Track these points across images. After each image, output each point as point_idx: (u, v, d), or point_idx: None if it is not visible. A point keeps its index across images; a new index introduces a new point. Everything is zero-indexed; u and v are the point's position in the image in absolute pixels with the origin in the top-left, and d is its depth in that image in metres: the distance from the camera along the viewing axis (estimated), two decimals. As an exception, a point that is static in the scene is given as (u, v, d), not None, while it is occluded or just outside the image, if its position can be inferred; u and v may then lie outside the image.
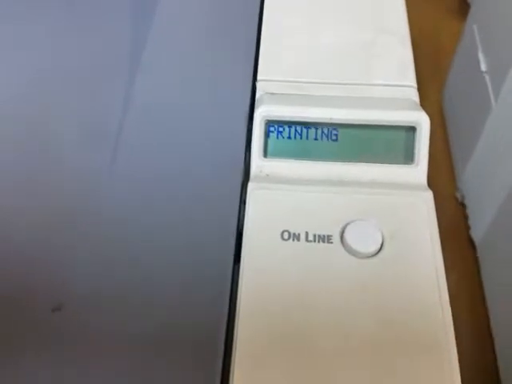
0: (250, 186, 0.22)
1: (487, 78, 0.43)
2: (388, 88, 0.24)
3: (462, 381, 0.18)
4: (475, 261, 0.40)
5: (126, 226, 0.21)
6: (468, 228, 0.45)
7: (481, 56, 0.45)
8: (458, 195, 0.44)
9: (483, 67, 0.44)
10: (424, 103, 0.23)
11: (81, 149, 0.23)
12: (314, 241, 0.20)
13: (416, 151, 0.22)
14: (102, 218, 0.21)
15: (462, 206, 0.45)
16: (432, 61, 0.51)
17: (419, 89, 0.25)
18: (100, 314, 0.19)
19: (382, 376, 0.18)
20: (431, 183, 0.29)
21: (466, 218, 0.45)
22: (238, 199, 0.21)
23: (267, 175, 0.22)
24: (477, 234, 0.44)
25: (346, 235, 0.20)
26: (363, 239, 0.20)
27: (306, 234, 0.20)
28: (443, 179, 0.44)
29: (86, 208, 0.21)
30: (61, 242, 0.20)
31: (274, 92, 0.24)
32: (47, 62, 0.26)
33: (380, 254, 0.20)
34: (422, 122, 0.22)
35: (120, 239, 0.21)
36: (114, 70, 0.25)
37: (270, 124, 0.22)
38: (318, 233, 0.20)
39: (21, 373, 0.18)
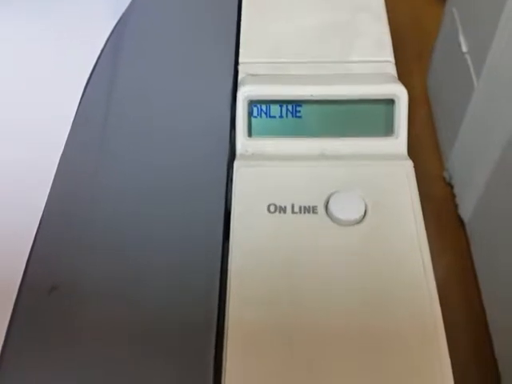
0: (236, 164, 0.22)
1: (468, 58, 0.44)
2: (366, 64, 0.24)
3: (456, 362, 0.18)
4: (467, 241, 0.41)
5: (112, 208, 0.21)
6: (456, 207, 0.45)
7: (461, 38, 0.46)
8: (446, 175, 0.45)
9: (464, 48, 0.45)
10: (409, 87, 0.24)
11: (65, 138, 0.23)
12: (300, 212, 0.21)
13: (395, 123, 0.23)
14: (91, 201, 0.22)
15: (450, 185, 0.45)
16: (416, 45, 0.51)
17: (404, 73, 0.25)
18: (87, 302, 0.19)
19: (369, 355, 0.18)
20: (418, 165, 0.29)
21: (453, 197, 0.46)
22: (225, 178, 0.22)
23: (252, 154, 0.23)
24: (465, 212, 0.45)
25: (331, 205, 0.21)
26: (347, 208, 0.21)
27: (292, 206, 0.21)
28: (431, 161, 0.45)
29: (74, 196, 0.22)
30: (51, 233, 0.21)
31: (256, 73, 0.24)
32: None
33: (363, 222, 0.21)
34: (400, 94, 0.23)
35: (105, 220, 0.21)
36: (93, 60, 0.26)
37: (252, 104, 0.23)
38: (303, 204, 0.21)
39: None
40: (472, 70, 0.44)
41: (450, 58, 0.48)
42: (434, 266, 0.20)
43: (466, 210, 0.44)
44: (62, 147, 0.23)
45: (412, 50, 0.50)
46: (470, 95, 0.44)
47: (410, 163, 0.22)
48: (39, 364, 0.18)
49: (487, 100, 0.42)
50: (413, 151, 0.24)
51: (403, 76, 0.25)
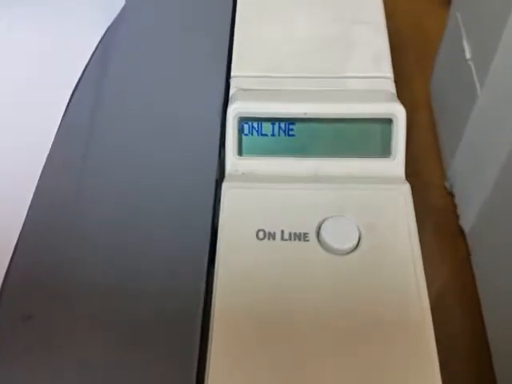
0: (225, 185, 0.21)
1: (472, 65, 0.43)
2: (363, 80, 0.23)
3: (457, 371, 0.18)
4: (467, 251, 0.40)
5: (100, 225, 0.21)
6: (457, 217, 0.45)
7: (465, 44, 0.45)
8: (447, 184, 0.44)
9: (468, 55, 0.44)
10: (412, 93, 0.23)
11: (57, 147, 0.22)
12: (290, 239, 0.20)
13: (393, 144, 0.22)
14: (77, 215, 0.21)
15: (451, 195, 0.45)
16: (419, 50, 0.51)
17: (407, 78, 0.24)
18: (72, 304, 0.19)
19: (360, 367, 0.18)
20: (419, 173, 0.28)
21: (454, 207, 0.45)
22: (213, 198, 0.21)
23: (243, 174, 0.22)
24: (466, 222, 0.44)
25: (323, 232, 0.20)
26: (340, 236, 0.20)
27: (282, 232, 0.20)
28: (432, 169, 0.44)
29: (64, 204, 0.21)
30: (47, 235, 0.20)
31: (248, 88, 0.23)
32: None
33: (357, 251, 0.20)
34: (398, 114, 0.22)
35: (95, 238, 0.20)
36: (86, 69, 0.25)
37: (243, 121, 0.22)
38: (293, 231, 0.20)
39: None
40: (475, 77, 0.43)
41: (453, 65, 0.47)
42: (434, 276, 0.19)
43: (467, 220, 0.44)
44: (44, 160, 0.22)
45: (414, 54, 0.50)
46: (473, 103, 0.43)
47: (407, 187, 0.21)
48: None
49: (490, 108, 0.41)
50: (414, 159, 0.23)
51: (405, 81, 0.24)
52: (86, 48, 0.26)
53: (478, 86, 0.42)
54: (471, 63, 0.43)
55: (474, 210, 0.43)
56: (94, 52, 0.26)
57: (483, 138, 0.42)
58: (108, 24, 0.27)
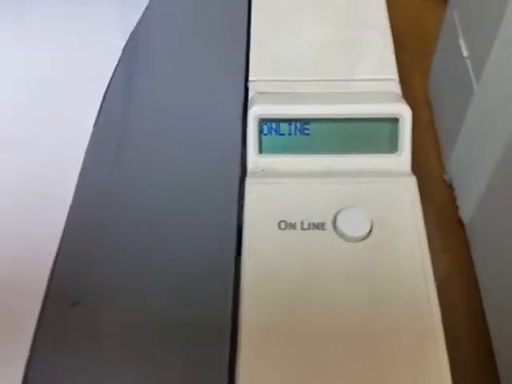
0: (248, 181, 0.23)
1: (469, 63, 0.45)
2: (371, 82, 0.25)
3: (456, 360, 0.19)
4: (467, 243, 0.41)
5: (128, 224, 0.22)
6: (457, 209, 0.46)
7: (462, 42, 0.46)
8: (447, 178, 0.46)
9: (464, 53, 0.45)
10: (411, 89, 0.25)
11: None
12: (309, 228, 0.22)
13: (400, 141, 0.24)
14: (108, 212, 0.23)
15: (451, 188, 0.46)
16: (417, 47, 0.52)
17: (406, 76, 0.26)
18: (104, 306, 0.21)
19: (373, 358, 0.19)
20: (420, 168, 0.30)
21: (454, 199, 0.47)
22: (237, 194, 0.23)
23: (263, 170, 0.24)
24: (465, 214, 0.45)
25: (338, 222, 0.22)
26: (354, 225, 0.22)
27: (302, 222, 0.22)
28: (432, 164, 0.45)
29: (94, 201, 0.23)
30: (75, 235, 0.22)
31: (265, 91, 0.25)
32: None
33: (369, 238, 0.22)
34: (404, 113, 0.24)
35: (122, 238, 0.22)
36: (105, 72, 0.27)
37: (263, 122, 0.24)
38: (312, 221, 0.22)
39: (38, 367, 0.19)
40: (472, 74, 0.45)
41: (450, 62, 0.49)
42: (435, 268, 0.21)
43: (467, 212, 0.45)
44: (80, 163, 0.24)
45: (412, 52, 0.51)
46: (470, 99, 0.44)
47: (413, 180, 0.23)
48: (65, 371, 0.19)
49: (487, 104, 0.43)
50: (414, 153, 0.25)
51: (404, 78, 0.26)
52: (111, 55, 0.28)
53: (474, 82, 0.44)
54: (468, 61, 0.45)
55: (473, 202, 0.45)
56: (117, 62, 0.27)
57: (480, 133, 0.44)
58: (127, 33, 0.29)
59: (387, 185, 0.23)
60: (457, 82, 0.47)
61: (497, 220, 0.41)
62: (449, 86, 0.48)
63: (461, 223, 0.46)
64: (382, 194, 0.23)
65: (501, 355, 0.34)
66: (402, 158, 0.24)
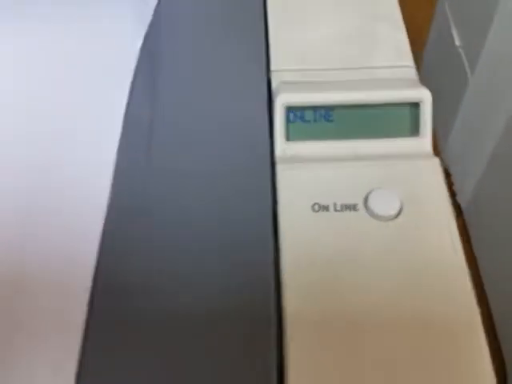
0: (279, 167, 0.24)
1: (462, 52, 0.46)
2: (389, 69, 0.26)
3: None
4: (465, 227, 0.43)
5: (173, 213, 0.23)
6: (454, 195, 0.48)
7: (454, 31, 0.48)
8: (444, 165, 0.47)
9: (457, 42, 0.47)
10: None
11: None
12: (342, 210, 0.23)
13: (421, 124, 0.25)
14: (148, 210, 0.23)
15: (447, 174, 0.47)
16: (409, 37, 0.53)
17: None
18: (151, 293, 0.21)
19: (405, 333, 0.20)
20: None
21: (451, 185, 0.48)
22: (270, 181, 0.24)
23: (291, 156, 0.25)
24: (463, 198, 0.47)
25: (370, 203, 0.23)
26: (384, 205, 0.23)
27: (334, 204, 0.23)
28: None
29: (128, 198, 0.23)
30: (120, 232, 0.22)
31: (288, 80, 0.26)
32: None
33: (400, 217, 0.23)
34: (425, 97, 0.25)
35: (168, 223, 0.23)
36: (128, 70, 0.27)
37: (289, 110, 0.25)
38: (344, 202, 0.23)
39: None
40: (466, 63, 0.46)
41: (443, 52, 0.50)
42: None
43: (464, 197, 0.47)
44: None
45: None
46: (465, 88, 0.46)
47: (436, 160, 0.24)
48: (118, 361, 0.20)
49: (481, 92, 0.44)
50: None
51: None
52: (132, 53, 0.28)
53: (468, 70, 0.45)
54: (461, 50, 0.47)
55: (470, 187, 0.46)
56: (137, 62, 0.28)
57: (476, 120, 0.45)
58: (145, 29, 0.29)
59: (412, 166, 0.24)
60: (450, 70, 0.49)
61: (494, 204, 0.43)
62: (443, 76, 0.50)
63: (459, 209, 0.47)
64: (408, 175, 0.24)
65: (504, 337, 0.36)
66: (424, 141, 0.25)
